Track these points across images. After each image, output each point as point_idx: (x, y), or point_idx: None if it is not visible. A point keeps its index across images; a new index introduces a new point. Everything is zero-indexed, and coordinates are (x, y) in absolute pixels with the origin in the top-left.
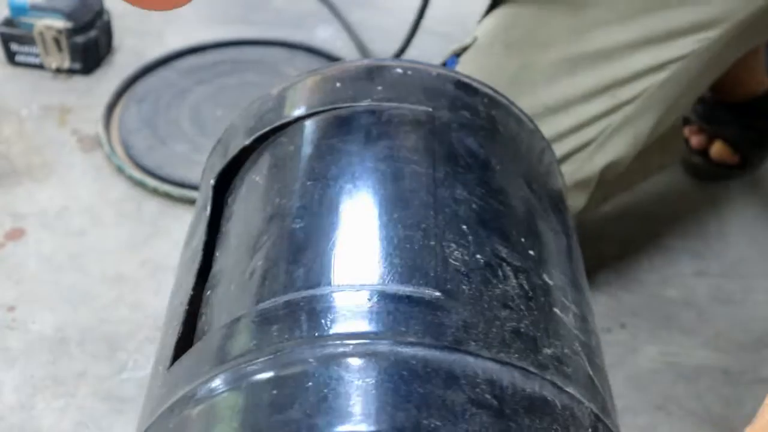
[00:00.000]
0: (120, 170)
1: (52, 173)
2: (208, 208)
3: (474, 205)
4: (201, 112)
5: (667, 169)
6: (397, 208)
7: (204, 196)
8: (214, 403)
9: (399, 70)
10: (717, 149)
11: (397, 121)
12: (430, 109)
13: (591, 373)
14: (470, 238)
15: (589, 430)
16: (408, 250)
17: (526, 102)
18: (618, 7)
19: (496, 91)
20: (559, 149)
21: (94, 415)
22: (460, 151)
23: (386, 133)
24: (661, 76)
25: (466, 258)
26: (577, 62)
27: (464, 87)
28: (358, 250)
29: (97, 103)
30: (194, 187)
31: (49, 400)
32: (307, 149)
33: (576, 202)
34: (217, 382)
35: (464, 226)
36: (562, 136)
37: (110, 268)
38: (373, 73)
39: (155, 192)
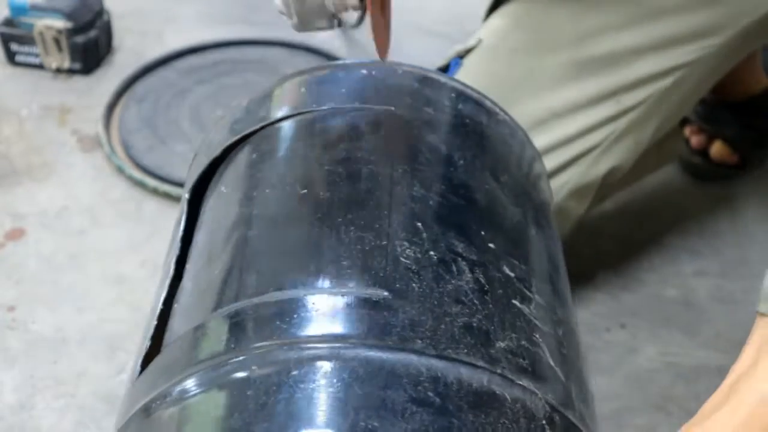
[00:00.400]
0: (120, 170)
1: (52, 173)
2: (182, 222)
3: (431, 202)
4: (201, 112)
5: (666, 169)
6: (351, 210)
7: (180, 209)
8: (161, 416)
9: (363, 71)
10: (717, 149)
11: (357, 123)
12: (392, 108)
13: (552, 363)
14: (424, 235)
15: (543, 422)
16: (358, 251)
17: (532, 106)
18: (624, 13)
19: (465, 86)
20: (565, 154)
21: (94, 415)
22: (421, 148)
23: (345, 135)
24: (666, 82)
25: (419, 255)
26: (583, 67)
27: (430, 83)
28: (308, 254)
29: (97, 103)
30: None
31: (49, 400)
32: (267, 157)
33: (579, 207)
34: (165, 398)
35: (419, 224)
36: (567, 141)
37: (110, 268)
38: (337, 76)
39: (155, 192)
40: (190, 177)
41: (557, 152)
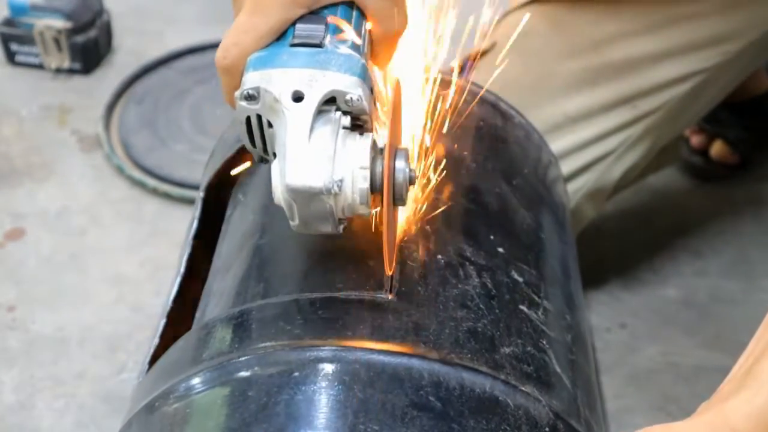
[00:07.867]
0: (120, 170)
1: (52, 173)
2: (195, 221)
3: (441, 205)
4: (201, 112)
5: (666, 169)
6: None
7: (194, 207)
8: (163, 414)
9: None
10: (717, 149)
11: None
12: None
13: (559, 370)
14: (433, 238)
15: (547, 429)
16: (365, 255)
17: (548, 111)
18: (641, 19)
19: (480, 88)
20: (581, 159)
21: (94, 415)
22: (433, 150)
23: None
24: (683, 88)
25: (426, 259)
26: (600, 73)
27: (444, 85)
28: (315, 260)
29: (97, 103)
30: (194, 187)
31: (49, 400)
32: None
33: (592, 210)
34: (168, 396)
35: (428, 227)
36: (583, 145)
37: (110, 268)
38: None
39: (155, 192)
40: (205, 176)
41: (573, 157)
